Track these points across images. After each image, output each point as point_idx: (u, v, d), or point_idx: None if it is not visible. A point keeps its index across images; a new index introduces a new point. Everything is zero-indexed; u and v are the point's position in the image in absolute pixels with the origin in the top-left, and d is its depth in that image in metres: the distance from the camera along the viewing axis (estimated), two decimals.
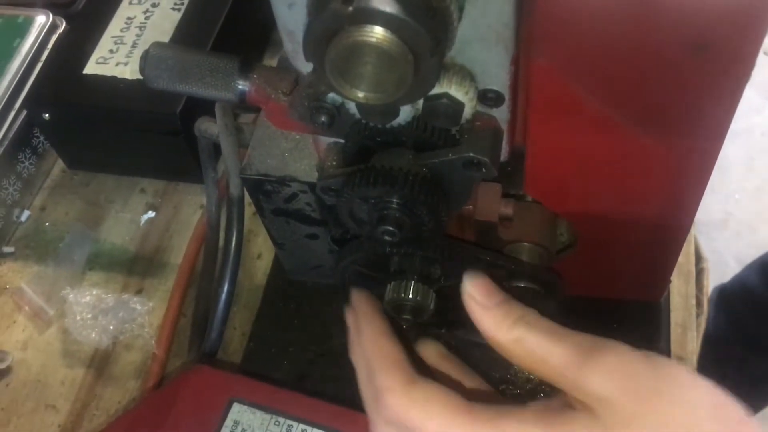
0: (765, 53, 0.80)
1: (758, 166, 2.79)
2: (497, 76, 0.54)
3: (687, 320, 0.83)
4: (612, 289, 0.79)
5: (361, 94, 0.49)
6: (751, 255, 1.71)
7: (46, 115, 1.00)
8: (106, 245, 1.03)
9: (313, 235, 0.74)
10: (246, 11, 1.04)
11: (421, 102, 0.54)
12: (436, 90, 0.52)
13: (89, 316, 0.93)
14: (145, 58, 0.60)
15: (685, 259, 0.88)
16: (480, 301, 0.53)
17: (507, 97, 0.55)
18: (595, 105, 0.55)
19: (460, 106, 0.53)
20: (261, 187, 0.70)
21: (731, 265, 2.34)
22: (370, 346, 0.57)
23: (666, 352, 0.78)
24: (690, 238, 0.88)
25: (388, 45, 0.44)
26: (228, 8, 1.02)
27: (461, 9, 0.48)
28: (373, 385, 0.53)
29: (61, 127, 1.02)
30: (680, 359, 0.81)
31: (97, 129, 1.00)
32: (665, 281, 0.79)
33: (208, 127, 0.84)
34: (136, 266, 1.00)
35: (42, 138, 1.08)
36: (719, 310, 1.58)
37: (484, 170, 0.56)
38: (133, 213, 1.05)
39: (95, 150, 1.05)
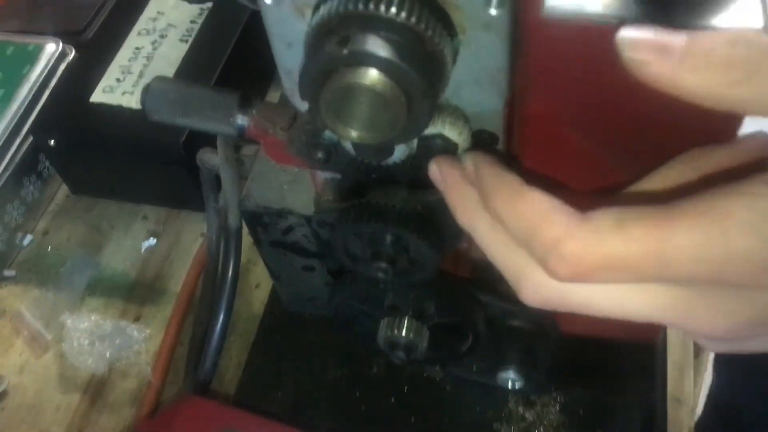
0: None
1: None
2: (491, 117, 0.54)
3: (684, 360, 0.83)
4: (606, 328, 0.78)
5: (354, 134, 0.49)
6: None
7: (52, 141, 1.02)
8: (107, 271, 1.04)
9: (310, 267, 0.74)
10: (252, 45, 1.05)
11: (415, 141, 0.55)
12: (431, 130, 0.53)
13: (86, 342, 0.94)
14: (146, 91, 0.61)
15: None
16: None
17: (501, 137, 0.56)
18: (589, 148, 0.55)
19: (453, 146, 0.54)
20: (259, 219, 0.71)
21: None
22: (514, 204, 0.42)
23: (662, 393, 0.78)
24: None
25: (382, 87, 0.45)
26: (234, 42, 1.03)
27: (456, 52, 0.49)
28: (538, 248, 0.39)
29: (67, 153, 1.04)
30: (677, 402, 0.80)
31: (101, 156, 1.01)
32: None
33: (210, 159, 0.84)
34: (135, 293, 1.01)
35: (47, 163, 1.09)
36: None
37: None
38: (135, 239, 1.06)
39: (99, 176, 1.06)
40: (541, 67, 0.49)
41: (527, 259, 0.41)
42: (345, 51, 0.45)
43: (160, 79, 0.61)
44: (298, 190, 0.71)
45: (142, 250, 1.05)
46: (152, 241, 1.05)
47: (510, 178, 0.46)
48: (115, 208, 1.09)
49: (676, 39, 0.34)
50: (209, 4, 1.08)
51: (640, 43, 0.36)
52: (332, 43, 0.45)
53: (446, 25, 0.47)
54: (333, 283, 0.76)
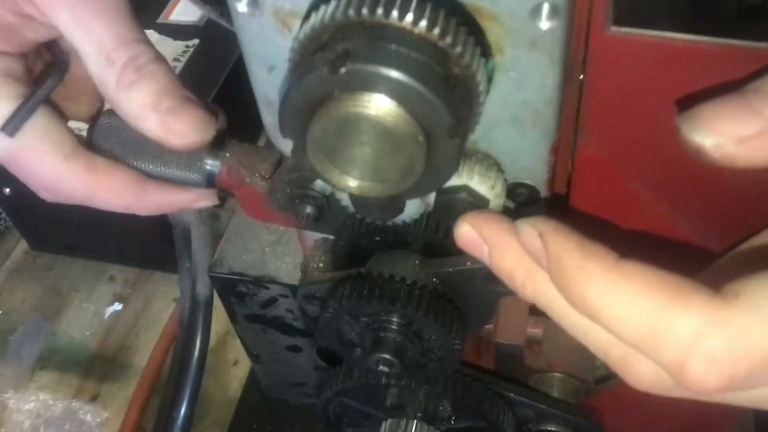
0: None
1: None
2: (533, 168, 0.42)
3: None
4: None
5: (353, 183, 0.37)
6: None
7: (7, 190, 0.90)
8: (64, 340, 0.92)
9: (295, 348, 0.66)
10: (241, 87, 0.95)
11: (433, 195, 0.42)
12: (454, 181, 0.40)
13: (29, 427, 0.80)
14: (93, 127, 0.49)
15: None
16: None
17: (543, 194, 0.43)
18: (652, 205, 0.43)
19: (483, 202, 0.41)
20: (233, 288, 0.59)
21: None
22: (617, 292, 0.34)
23: None
24: None
25: (393, 121, 0.33)
26: (221, 83, 0.93)
27: (490, 80, 0.37)
28: (664, 351, 0.32)
29: (24, 203, 0.92)
30: None
31: (63, 207, 0.89)
32: (728, 419, 0.65)
33: (181, 214, 0.72)
34: (94, 367, 0.89)
35: (3, 215, 0.99)
36: None
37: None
38: (98, 304, 0.96)
39: (61, 230, 0.95)
40: (605, 97, 0.37)
41: None
42: (343, 70, 0.32)
43: (110, 114, 0.49)
44: (284, 253, 0.59)
45: (106, 316, 0.95)
46: (118, 306, 0.95)
47: (599, 252, 0.34)
48: (79, 267, 0.99)
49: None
50: (195, 41, 0.97)
51: (712, 124, 0.33)
52: (326, 61, 0.33)
53: (479, 41, 0.35)
54: (324, 367, 0.63)
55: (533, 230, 0.36)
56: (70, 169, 0.48)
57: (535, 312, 0.58)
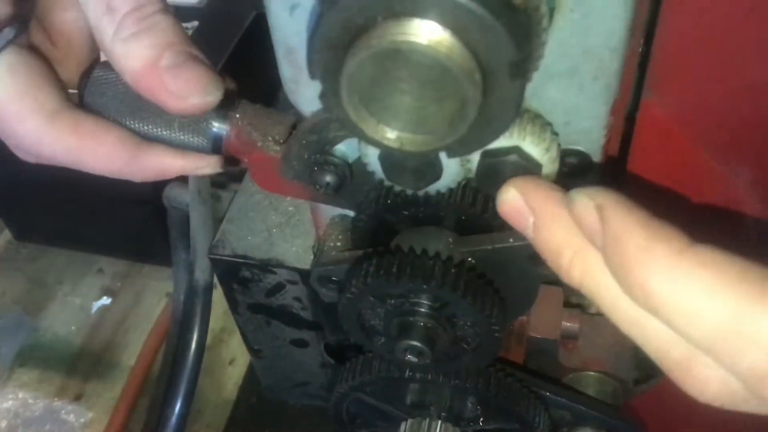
0: None
1: None
2: (588, 130, 0.37)
3: None
4: None
5: (392, 135, 0.31)
6: None
7: None
8: (46, 336, 0.87)
9: (301, 342, 0.61)
10: (242, 69, 0.90)
11: (475, 159, 0.37)
12: (503, 141, 0.35)
13: (5, 427, 0.74)
14: (85, 80, 0.43)
15: None
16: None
17: (596, 162, 0.38)
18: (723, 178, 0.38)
19: (535, 167, 0.36)
20: (236, 273, 0.54)
21: None
22: (690, 285, 0.29)
23: None
24: None
25: (446, 53, 0.28)
26: (228, 56, 0.88)
27: (551, 16, 0.32)
28: (744, 367, 0.29)
29: (9, 191, 0.87)
30: None
31: (49, 194, 0.85)
32: None
33: (179, 195, 0.67)
34: (78, 365, 0.84)
35: None
36: None
37: None
38: (85, 298, 0.91)
39: (47, 219, 0.90)
40: (684, 42, 0.32)
41: None
42: None
43: (105, 66, 0.44)
44: (293, 235, 0.54)
45: (93, 310, 0.90)
46: (106, 300, 0.90)
47: (668, 233, 0.29)
48: (65, 258, 0.93)
49: None
50: (194, 23, 0.92)
51: None
52: None
53: None
54: (332, 364, 0.57)
55: (590, 202, 0.31)
56: (53, 130, 0.43)
57: (569, 304, 0.53)
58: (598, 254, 0.31)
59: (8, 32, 0.42)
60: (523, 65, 0.29)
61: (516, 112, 0.31)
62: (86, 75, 0.45)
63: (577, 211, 0.32)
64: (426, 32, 0.28)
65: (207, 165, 0.46)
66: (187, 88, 0.41)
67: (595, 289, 0.32)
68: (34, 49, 0.44)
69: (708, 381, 0.30)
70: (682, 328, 0.29)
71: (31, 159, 0.45)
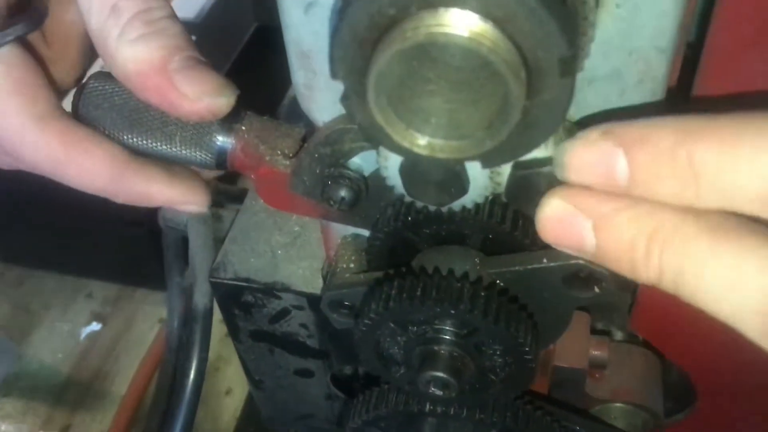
0: None
1: None
2: None
3: None
4: None
5: (423, 141, 0.28)
6: None
7: None
8: (32, 364, 0.84)
9: (306, 372, 0.57)
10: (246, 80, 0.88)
11: (505, 171, 0.34)
12: (538, 151, 0.32)
13: None
14: (81, 91, 0.40)
15: None
16: None
17: None
18: None
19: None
20: (238, 298, 0.51)
21: None
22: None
23: None
24: None
25: (489, 47, 0.25)
26: (226, 71, 0.85)
27: (597, 7, 0.29)
28: None
29: None
30: None
31: (36, 214, 0.82)
32: None
33: (176, 215, 0.64)
34: (66, 394, 0.80)
35: None
36: None
37: (596, 289, 0.35)
38: (73, 323, 0.87)
39: (34, 240, 0.87)
40: (741, 38, 0.29)
41: None
42: None
43: (103, 75, 0.41)
44: (299, 256, 0.51)
45: (82, 337, 0.86)
46: (96, 326, 0.87)
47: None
48: (53, 282, 0.90)
49: None
50: (193, 37, 0.89)
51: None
52: None
53: None
54: (338, 397, 0.54)
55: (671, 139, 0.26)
56: (39, 134, 0.40)
57: (596, 331, 0.50)
58: (675, 225, 0.27)
59: (22, 27, 0.39)
60: (573, 62, 0.26)
61: (563, 115, 0.28)
62: (81, 85, 0.42)
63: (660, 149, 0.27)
64: (467, 24, 0.25)
65: (195, 201, 0.43)
66: (201, 89, 0.39)
67: (686, 268, 0.27)
68: (29, 48, 0.41)
69: None
70: None
71: (9, 163, 0.42)
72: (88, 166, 0.41)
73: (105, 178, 0.41)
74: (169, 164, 0.43)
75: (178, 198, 0.44)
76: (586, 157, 0.29)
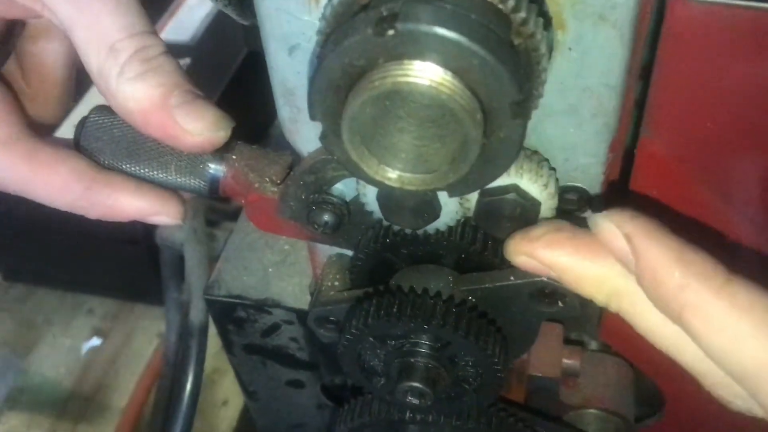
0: None
1: None
2: (587, 167, 0.37)
3: None
4: None
5: (393, 174, 0.31)
6: None
7: None
8: (35, 378, 0.85)
9: (297, 383, 0.60)
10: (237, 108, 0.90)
11: (473, 198, 0.37)
12: (502, 179, 0.35)
13: None
14: (82, 124, 0.43)
15: None
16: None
17: (599, 198, 0.38)
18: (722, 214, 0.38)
19: (534, 205, 0.36)
20: (231, 314, 0.54)
21: None
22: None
23: None
24: None
25: (449, 93, 0.28)
26: (220, 95, 0.88)
27: (550, 55, 0.32)
28: None
29: None
30: None
31: (38, 233, 0.84)
32: None
33: (173, 234, 0.66)
34: (69, 407, 0.82)
35: None
36: None
37: (560, 303, 0.38)
38: (75, 339, 0.89)
39: (36, 259, 0.89)
40: (681, 82, 0.32)
41: None
42: (390, 32, 0.28)
43: (102, 109, 0.44)
44: (289, 274, 0.54)
45: (83, 352, 0.88)
46: (96, 341, 0.89)
47: (704, 265, 0.31)
48: (55, 298, 0.92)
49: None
50: (186, 60, 0.93)
51: None
52: (370, 22, 0.28)
53: (540, 11, 0.30)
54: (327, 406, 0.56)
55: (616, 229, 0.32)
56: (5, 156, 0.42)
57: (569, 341, 0.52)
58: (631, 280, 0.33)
59: None
60: (524, 105, 0.29)
61: (517, 151, 0.31)
62: (82, 119, 0.44)
63: (606, 237, 0.32)
64: (428, 74, 0.28)
65: (168, 213, 0.44)
66: (201, 125, 0.41)
67: (633, 315, 0.34)
68: (1, 77, 0.43)
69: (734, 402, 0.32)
70: (717, 360, 0.31)
71: None
72: (55, 183, 0.43)
73: (73, 192, 0.43)
74: (138, 178, 0.45)
75: (149, 209, 0.45)
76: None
